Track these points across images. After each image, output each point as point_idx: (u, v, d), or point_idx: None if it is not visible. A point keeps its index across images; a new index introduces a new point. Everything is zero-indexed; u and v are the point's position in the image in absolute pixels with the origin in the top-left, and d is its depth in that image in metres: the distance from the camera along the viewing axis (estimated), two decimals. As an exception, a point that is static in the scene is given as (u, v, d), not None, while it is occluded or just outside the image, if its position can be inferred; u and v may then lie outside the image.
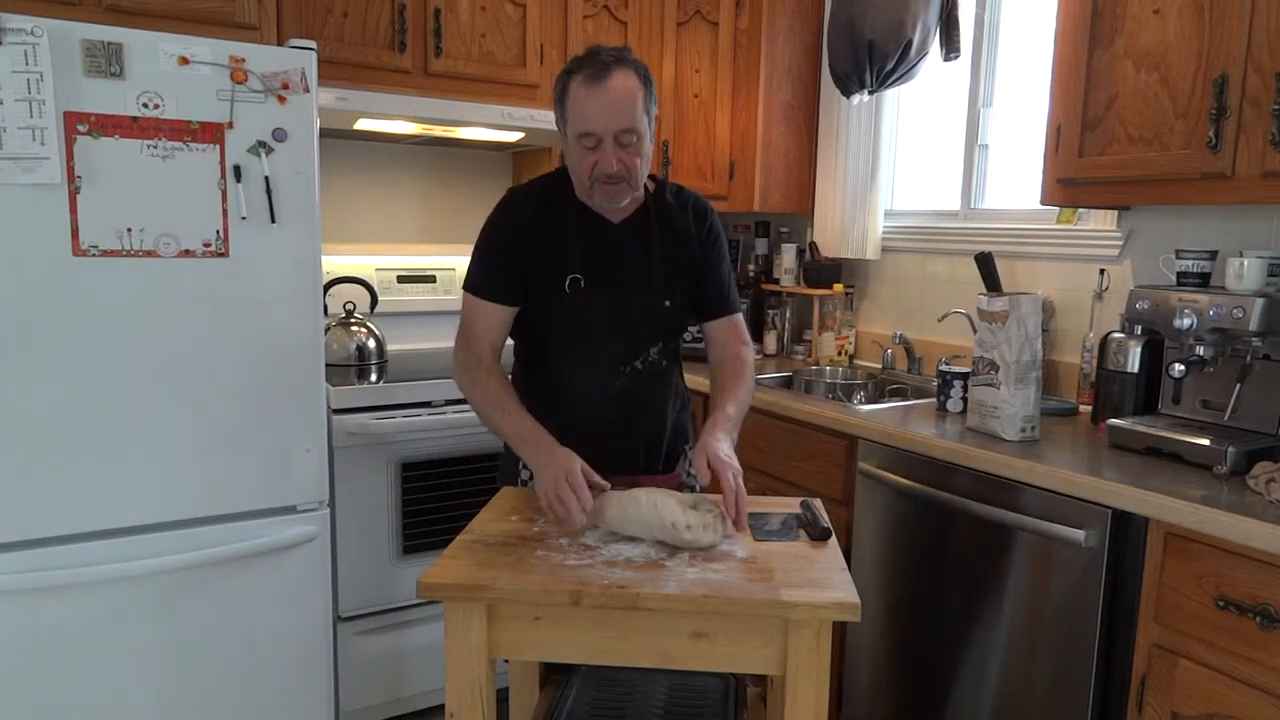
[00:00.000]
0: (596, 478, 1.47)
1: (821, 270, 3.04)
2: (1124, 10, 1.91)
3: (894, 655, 2.10)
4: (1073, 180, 2.03)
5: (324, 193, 2.54)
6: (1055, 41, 2.05)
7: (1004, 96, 2.65)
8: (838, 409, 2.29)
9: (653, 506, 1.37)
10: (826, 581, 1.29)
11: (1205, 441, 1.74)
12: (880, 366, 2.91)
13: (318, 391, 2.16)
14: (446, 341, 3.03)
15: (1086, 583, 1.68)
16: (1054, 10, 2.06)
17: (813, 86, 3.07)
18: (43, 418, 1.87)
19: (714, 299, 1.78)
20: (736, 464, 1.48)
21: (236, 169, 1.98)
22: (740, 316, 1.82)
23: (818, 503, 1.60)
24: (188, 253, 1.96)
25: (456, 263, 3.05)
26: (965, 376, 2.18)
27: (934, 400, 2.31)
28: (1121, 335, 2.07)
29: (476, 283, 1.71)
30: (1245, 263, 1.79)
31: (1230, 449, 1.69)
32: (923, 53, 2.64)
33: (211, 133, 1.95)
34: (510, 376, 1.76)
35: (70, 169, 1.83)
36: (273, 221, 2.04)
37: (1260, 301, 1.72)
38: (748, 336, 1.82)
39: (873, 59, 2.65)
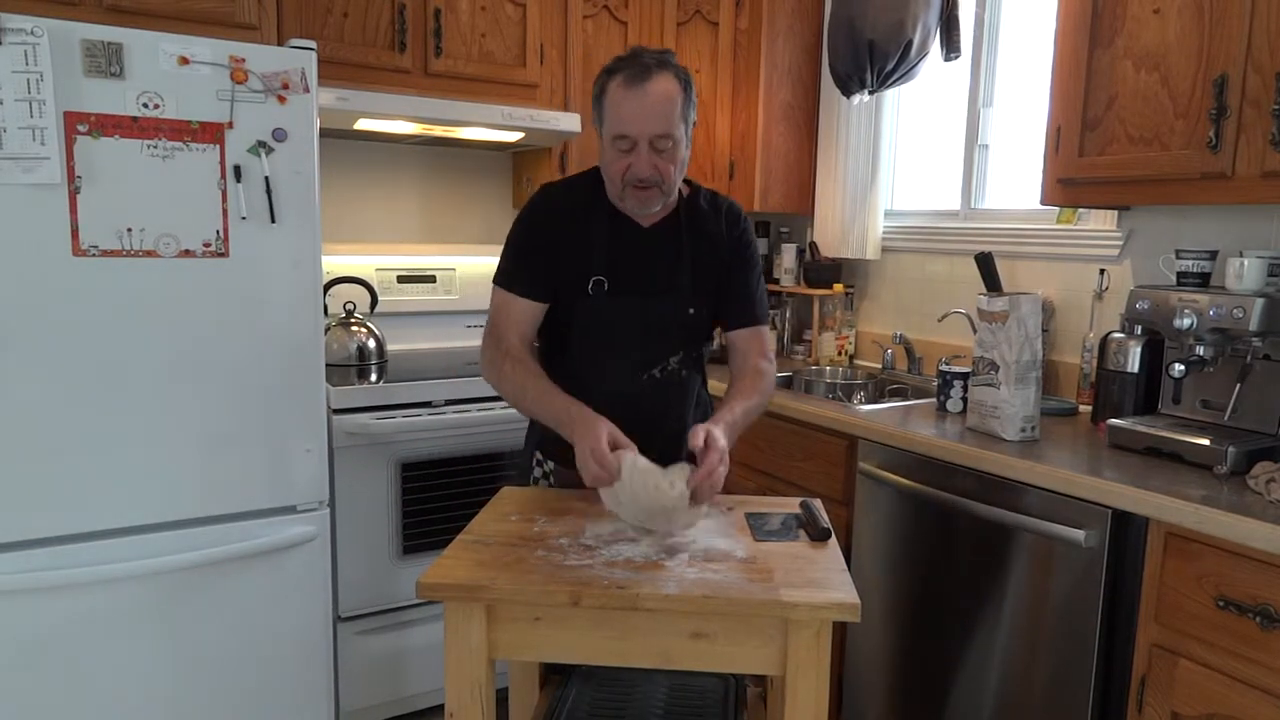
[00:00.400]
0: (623, 440, 1.46)
1: (821, 270, 3.04)
2: (1124, 10, 1.91)
3: (894, 655, 2.10)
4: (1073, 180, 2.03)
5: (324, 193, 2.54)
6: (1055, 41, 2.05)
7: (1004, 96, 2.65)
8: (838, 409, 2.29)
9: (650, 488, 1.38)
10: (826, 581, 1.29)
11: (1205, 441, 1.74)
12: (880, 366, 2.91)
13: (318, 391, 2.16)
14: (447, 342, 3.08)
15: (1086, 583, 1.68)
16: (1054, 10, 2.06)
17: (813, 86, 3.07)
18: (43, 418, 1.87)
19: (739, 307, 1.74)
20: (726, 454, 1.46)
21: (236, 169, 1.98)
22: (766, 329, 1.78)
23: (817, 503, 1.60)
24: (188, 253, 1.96)
25: (456, 263, 3.05)
26: (965, 376, 2.18)
27: (934, 400, 2.31)
28: (1121, 335, 2.07)
29: (505, 278, 1.70)
30: (1245, 263, 1.79)
31: (1230, 449, 1.69)
32: (923, 53, 2.64)
33: (211, 133, 1.95)
34: None
35: (70, 169, 1.83)
36: (273, 221, 2.04)
37: (1260, 301, 1.72)
38: (771, 352, 1.78)
39: (873, 59, 2.65)
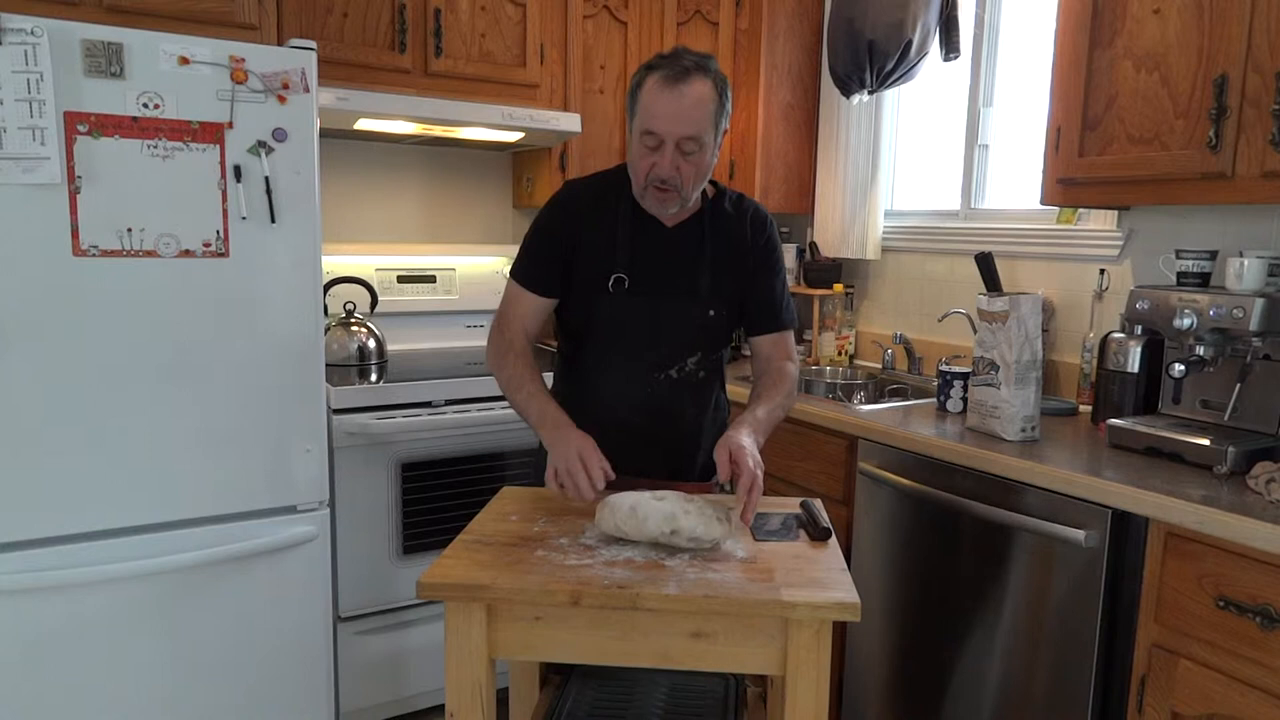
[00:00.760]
0: (607, 467, 1.45)
1: (821, 270, 3.04)
2: (1124, 10, 1.91)
3: (894, 655, 2.10)
4: (1073, 180, 2.03)
5: (324, 193, 2.54)
6: (1055, 41, 2.05)
7: (1004, 96, 2.65)
8: (838, 409, 2.29)
9: (644, 519, 1.36)
10: (826, 581, 1.29)
11: (1205, 441, 1.74)
12: (880, 366, 2.91)
13: (318, 391, 2.16)
14: (447, 342, 3.08)
15: (1086, 583, 1.68)
16: (1054, 10, 2.06)
17: (813, 86, 3.07)
18: (43, 418, 1.87)
19: (763, 312, 1.74)
20: (758, 456, 1.45)
21: (236, 169, 1.98)
22: (790, 334, 1.77)
23: (817, 503, 1.60)
24: (188, 253, 1.96)
25: (456, 263, 3.05)
26: (965, 376, 2.18)
27: (934, 400, 2.31)
28: (1121, 335, 2.07)
29: (519, 270, 1.70)
30: (1245, 263, 1.79)
31: (1230, 449, 1.69)
32: (923, 53, 2.64)
33: (211, 133, 1.95)
34: (553, 373, 1.76)
35: (70, 169, 1.83)
36: (273, 221, 2.04)
37: (1260, 301, 1.72)
38: (795, 355, 1.77)
39: (873, 59, 2.65)
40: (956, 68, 2.71)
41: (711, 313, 1.68)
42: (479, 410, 2.46)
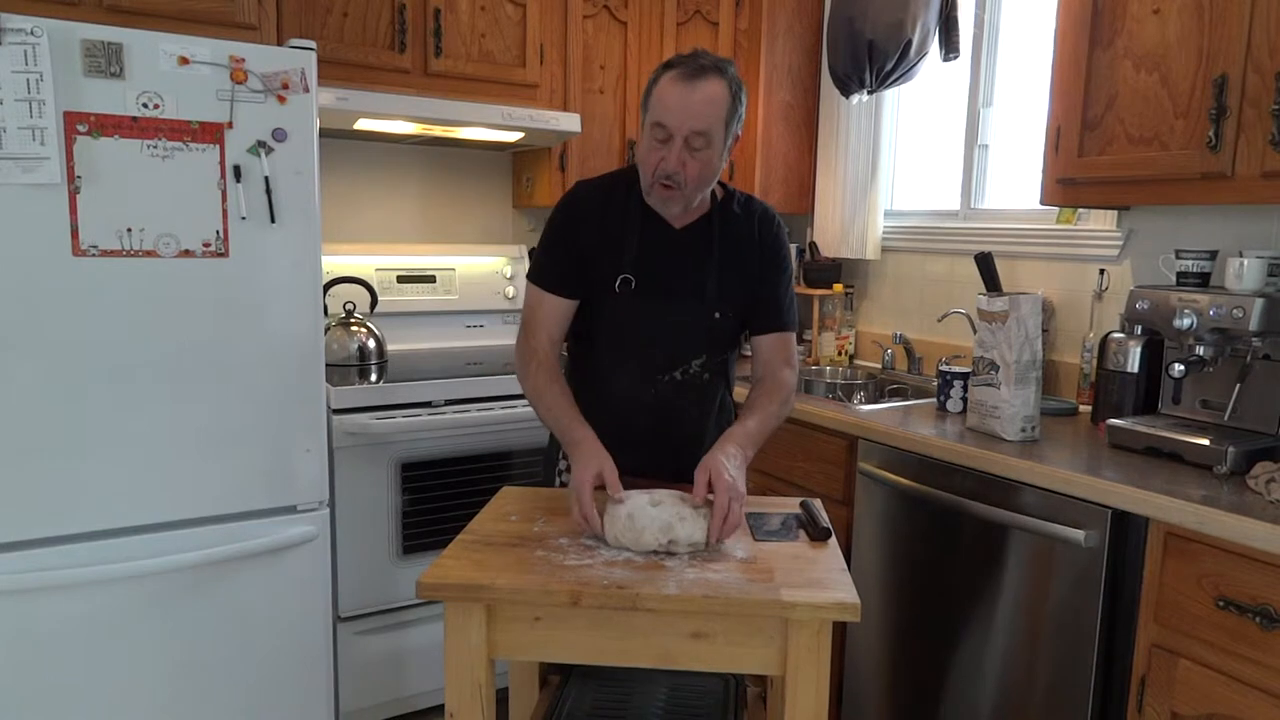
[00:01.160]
0: (614, 477, 1.43)
1: (821, 270, 3.04)
2: (1124, 10, 1.91)
3: (894, 655, 2.10)
4: (1073, 180, 2.03)
5: (324, 193, 2.54)
6: (1055, 41, 2.05)
7: (1004, 96, 2.65)
8: (838, 409, 2.29)
9: (641, 530, 1.36)
10: (826, 581, 1.29)
11: (1205, 441, 1.74)
12: (880, 366, 2.91)
13: (318, 391, 2.16)
14: (447, 342, 3.08)
15: (1086, 583, 1.68)
16: (1054, 10, 2.06)
17: (813, 86, 3.07)
18: (43, 418, 1.87)
19: (766, 312, 1.72)
20: (740, 487, 1.43)
21: (236, 169, 1.98)
22: (792, 336, 1.76)
23: (817, 503, 1.60)
24: (187, 253, 1.96)
25: (456, 263, 3.05)
26: (965, 376, 2.18)
27: (934, 400, 2.31)
28: (1121, 335, 2.07)
29: (537, 273, 1.70)
30: (1245, 263, 1.79)
31: (1230, 449, 1.69)
32: (922, 53, 2.64)
33: (211, 133, 1.95)
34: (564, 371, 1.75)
35: (70, 169, 1.83)
36: (273, 221, 2.04)
37: (1260, 301, 1.72)
38: (795, 359, 1.76)
39: (872, 59, 2.65)
40: (956, 68, 2.71)
41: (718, 315, 1.68)
42: (479, 410, 2.46)
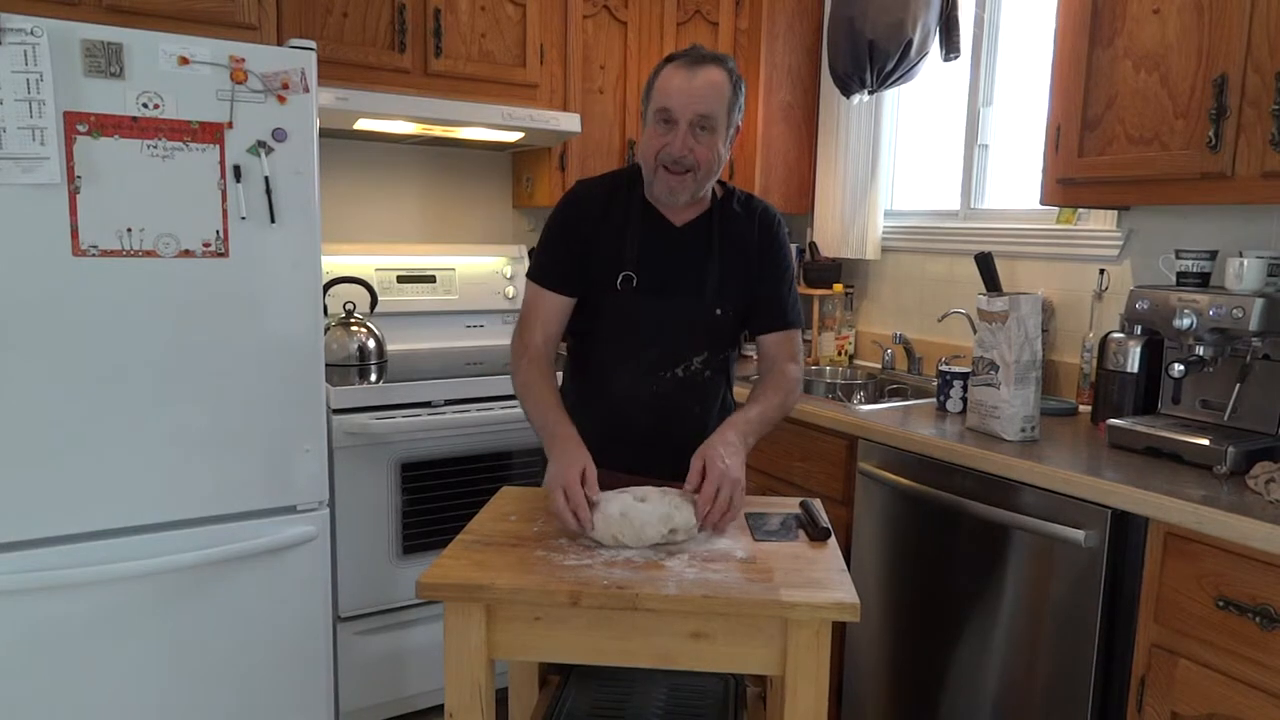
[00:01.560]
0: (594, 495, 1.42)
1: (821, 270, 3.04)
2: (1124, 10, 1.91)
3: (894, 655, 2.10)
4: (1072, 180, 2.03)
5: (324, 193, 2.54)
6: (1055, 41, 2.05)
7: (1004, 96, 2.65)
8: (838, 409, 2.29)
9: (641, 526, 1.36)
10: (826, 581, 1.29)
11: (1205, 441, 1.74)
12: (880, 366, 2.91)
13: (318, 391, 2.16)
14: (446, 342, 3.08)
15: (1086, 583, 1.68)
16: (1054, 10, 2.06)
17: (813, 86, 3.07)
18: (42, 418, 1.87)
19: (768, 311, 1.73)
20: (735, 474, 1.43)
21: (236, 169, 1.98)
22: (797, 333, 1.75)
23: (817, 503, 1.60)
24: (187, 253, 1.96)
25: (456, 263, 3.05)
26: (965, 376, 2.18)
27: (934, 400, 2.31)
28: (1121, 335, 2.07)
29: (536, 270, 1.70)
30: (1245, 263, 1.79)
31: (1230, 449, 1.69)
32: (923, 53, 2.64)
33: (211, 133, 1.95)
34: (561, 371, 1.76)
35: (70, 169, 1.83)
36: (272, 221, 2.04)
37: (1260, 301, 1.72)
38: (800, 355, 1.76)
39: (873, 59, 2.65)
40: (956, 67, 2.71)
41: (718, 312, 1.68)
42: (479, 410, 2.46)
